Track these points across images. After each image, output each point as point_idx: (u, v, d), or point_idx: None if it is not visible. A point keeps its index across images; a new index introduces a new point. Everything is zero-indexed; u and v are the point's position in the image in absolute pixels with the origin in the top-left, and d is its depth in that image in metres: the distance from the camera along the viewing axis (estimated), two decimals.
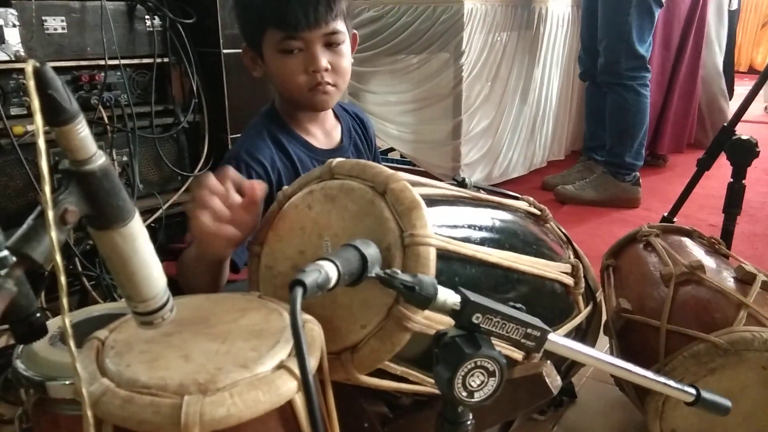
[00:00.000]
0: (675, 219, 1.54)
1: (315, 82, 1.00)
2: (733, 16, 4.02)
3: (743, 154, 1.37)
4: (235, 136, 1.72)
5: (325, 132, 1.12)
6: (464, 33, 2.37)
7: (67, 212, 0.45)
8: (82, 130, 0.45)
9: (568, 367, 1.06)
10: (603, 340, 1.13)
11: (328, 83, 1.01)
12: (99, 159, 0.46)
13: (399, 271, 0.57)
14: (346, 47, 1.04)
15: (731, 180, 1.40)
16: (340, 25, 1.00)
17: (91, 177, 0.46)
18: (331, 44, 1.00)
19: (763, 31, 6.68)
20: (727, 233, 1.42)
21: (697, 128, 3.41)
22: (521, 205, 0.99)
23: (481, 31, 2.45)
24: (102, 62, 1.50)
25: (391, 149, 2.98)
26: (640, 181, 2.58)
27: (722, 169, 1.43)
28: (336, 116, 1.16)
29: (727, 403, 0.74)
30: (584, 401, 1.25)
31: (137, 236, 0.49)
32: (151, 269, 0.50)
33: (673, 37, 3.04)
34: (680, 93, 3.17)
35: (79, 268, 1.45)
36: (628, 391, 1.11)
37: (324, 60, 0.99)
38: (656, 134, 3.14)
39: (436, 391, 0.60)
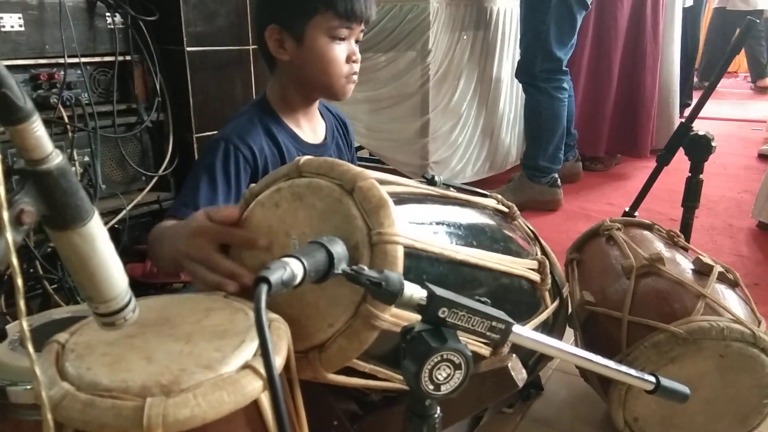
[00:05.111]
0: (636, 213, 1.57)
1: (352, 71, 1.06)
2: (693, 13, 4.05)
3: (700, 149, 1.41)
4: (200, 135, 1.69)
5: (311, 128, 1.15)
6: (430, 32, 2.38)
7: (23, 213, 0.44)
8: (37, 129, 0.44)
9: (535, 361, 1.07)
10: (569, 332, 1.16)
11: (355, 74, 1.08)
12: (56, 158, 0.45)
13: (365, 267, 0.57)
14: None
15: (689, 175, 1.44)
16: None
17: (47, 177, 0.45)
18: (358, 41, 1.08)
19: None
20: (686, 226, 1.46)
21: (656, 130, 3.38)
22: (489, 202, 1.00)
23: (447, 30, 2.47)
24: (61, 60, 1.46)
25: (360, 147, 2.98)
26: (559, 182, 2.54)
27: (681, 164, 1.47)
28: (321, 114, 1.18)
29: (686, 390, 0.76)
30: (551, 393, 1.27)
31: (96, 236, 0.48)
32: (111, 269, 0.49)
33: (618, 39, 2.97)
34: (636, 94, 3.12)
35: (41, 271, 1.41)
36: (592, 382, 1.14)
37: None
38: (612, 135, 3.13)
39: (405, 387, 0.60)
